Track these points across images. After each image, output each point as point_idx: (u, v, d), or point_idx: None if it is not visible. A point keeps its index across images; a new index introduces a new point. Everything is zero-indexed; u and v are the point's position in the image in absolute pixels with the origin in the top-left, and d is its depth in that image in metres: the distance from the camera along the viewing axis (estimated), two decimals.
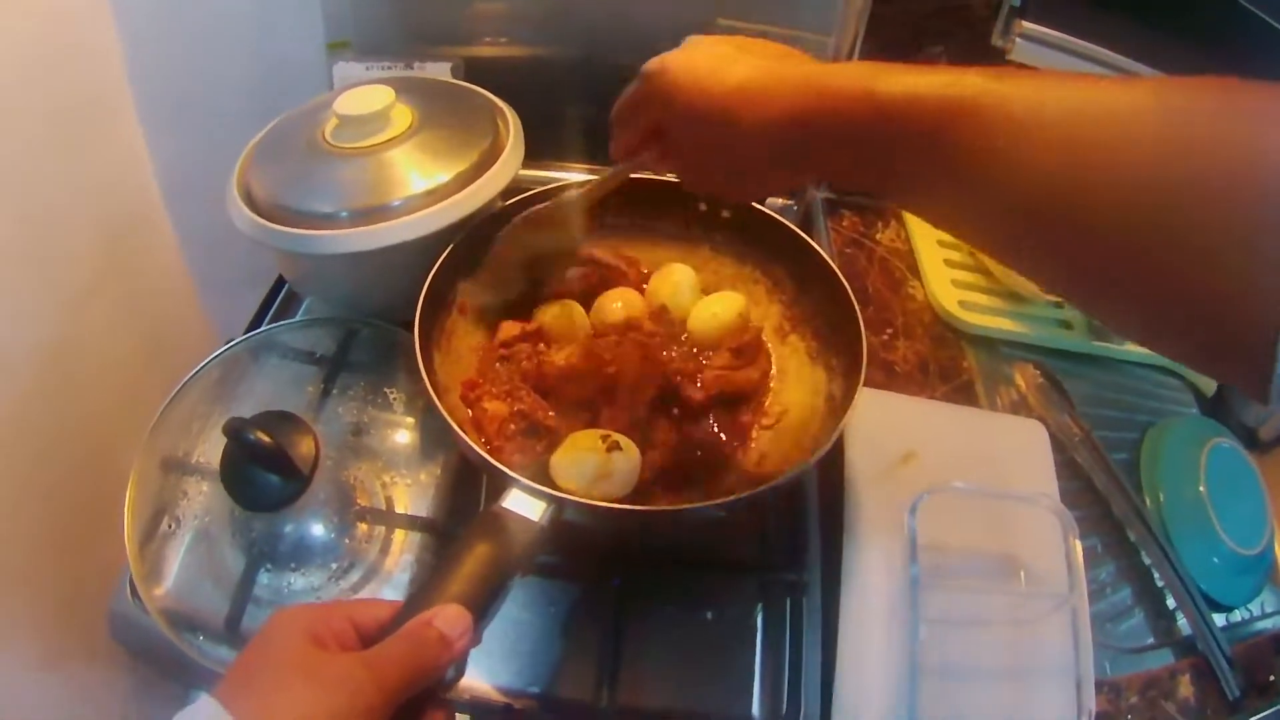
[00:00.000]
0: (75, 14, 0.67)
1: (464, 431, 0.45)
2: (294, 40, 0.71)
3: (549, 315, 0.56)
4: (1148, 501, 0.63)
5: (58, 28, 0.65)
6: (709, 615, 0.51)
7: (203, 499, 0.51)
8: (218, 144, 0.60)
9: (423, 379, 0.46)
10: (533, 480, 0.41)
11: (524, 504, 0.41)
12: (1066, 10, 0.63)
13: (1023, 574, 0.54)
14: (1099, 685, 0.52)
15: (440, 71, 0.65)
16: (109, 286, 0.74)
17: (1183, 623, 0.59)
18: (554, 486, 0.45)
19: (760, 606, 0.51)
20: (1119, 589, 0.60)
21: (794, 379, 0.56)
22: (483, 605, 0.36)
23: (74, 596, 0.67)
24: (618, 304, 0.57)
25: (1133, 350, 0.72)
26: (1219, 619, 0.59)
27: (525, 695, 0.47)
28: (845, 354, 0.52)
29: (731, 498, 0.43)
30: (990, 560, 0.54)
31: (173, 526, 0.50)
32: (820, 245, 0.56)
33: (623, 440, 0.48)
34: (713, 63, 0.38)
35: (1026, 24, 0.63)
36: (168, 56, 0.75)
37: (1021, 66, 0.68)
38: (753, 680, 0.49)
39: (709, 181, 0.42)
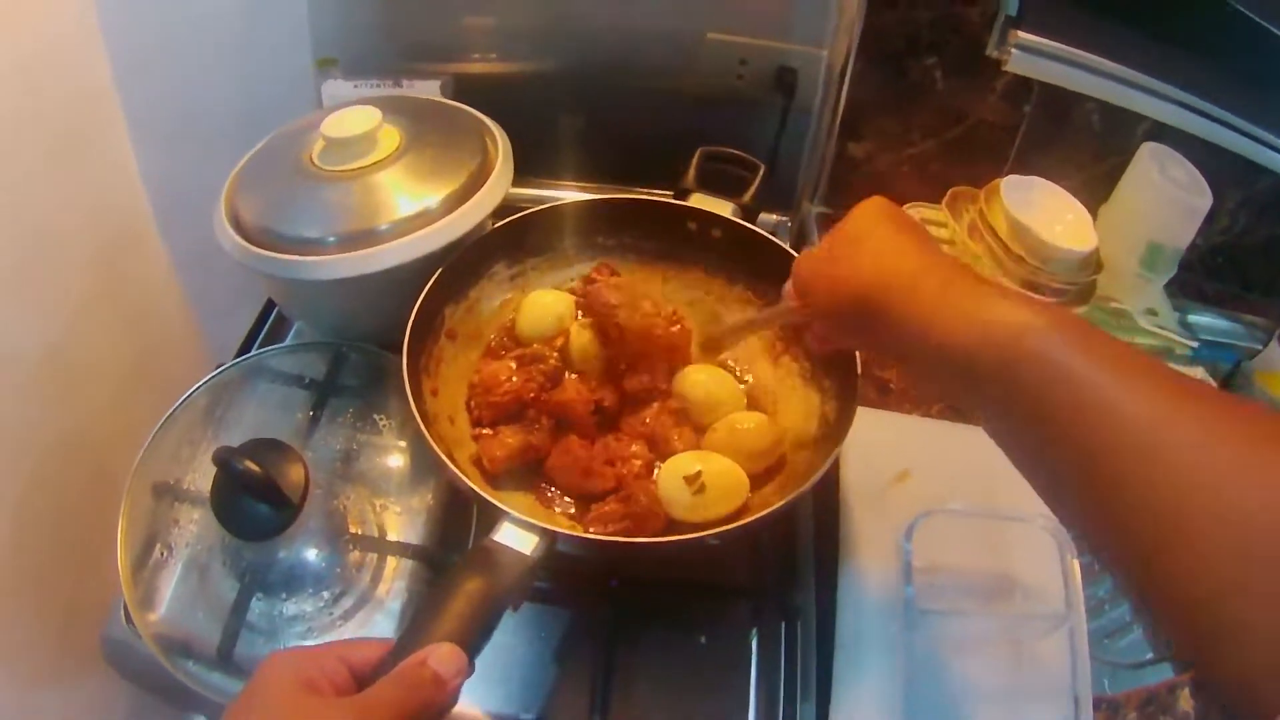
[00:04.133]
0: (65, 32, 0.66)
1: (452, 462, 0.44)
2: (284, 57, 0.70)
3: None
4: None
5: (48, 44, 0.64)
6: (702, 640, 0.50)
7: (194, 527, 0.50)
8: (209, 162, 0.59)
9: (411, 408, 0.46)
10: (524, 508, 0.41)
11: (515, 538, 0.40)
12: (1063, 19, 0.62)
13: (1019, 594, 0.53)
14: (1098, 703, 0.51)
15: (429, 89, 0.65)
16: (103, 306, 0.74)
17: None
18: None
19: (754, 630, 0.51)
20: (1117, 604, 0.59)
21: (787, 402, 0.55)
22: (475, 641, 0.36)
23: (72, 616, 0.67)
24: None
25: None
26: None
27: None
28: (838, 373, 0.52)
29: (724, 528, 0.43)
30: (986, 580, 0.54)
31: (165, 554, 0.50)
32: None
33: (708, 472, 0.48)
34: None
35: (1022, 34, 0.62)
36: (158, 75, 0.74)
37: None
38: (747, 705, 0.48)
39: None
